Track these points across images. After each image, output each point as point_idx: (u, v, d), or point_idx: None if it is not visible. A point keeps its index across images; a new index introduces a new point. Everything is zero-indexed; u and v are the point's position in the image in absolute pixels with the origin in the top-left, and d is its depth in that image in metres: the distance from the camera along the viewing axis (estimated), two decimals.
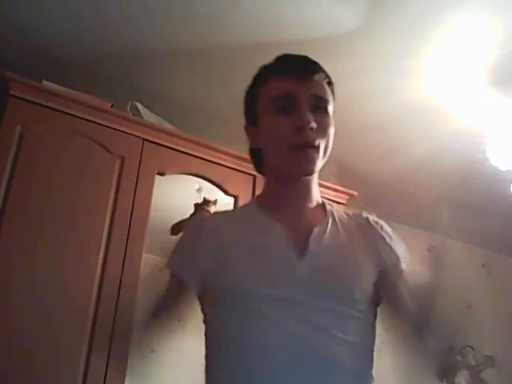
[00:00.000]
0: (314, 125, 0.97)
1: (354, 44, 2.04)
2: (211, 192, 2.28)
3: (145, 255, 1.97)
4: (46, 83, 1.99)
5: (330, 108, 1.04)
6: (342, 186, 2.49)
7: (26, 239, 1.78)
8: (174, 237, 2.31)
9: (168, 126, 2.24)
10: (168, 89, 2.34)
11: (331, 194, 2.39)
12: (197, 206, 2.32)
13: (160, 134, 2.14)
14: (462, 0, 1.82)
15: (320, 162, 1.01)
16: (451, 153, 2.66)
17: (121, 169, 2.01)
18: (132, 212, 1.97)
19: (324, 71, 1.05)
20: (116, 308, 1.83)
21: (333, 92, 1.07)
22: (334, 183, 2.40)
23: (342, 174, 2.34)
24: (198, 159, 2.20)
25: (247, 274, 0.95)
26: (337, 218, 1.06)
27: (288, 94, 1.00)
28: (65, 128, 1.97)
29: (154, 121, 2.21)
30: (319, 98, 1.01)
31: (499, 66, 2.10)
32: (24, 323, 1.70)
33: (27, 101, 1.91)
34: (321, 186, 1.15)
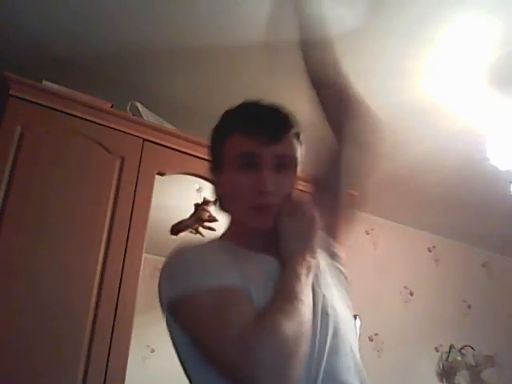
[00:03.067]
0: (273, 188, 0.97)
1: (354, 44, 2.03)
2: (211, 192, 2.28)
3: (145, 255, 1.97)
4: (46, 83, 1.99)
5: (298, 159, 1.04)
6: None
7: (26, 239, 1.78)
8: (174, 237, 2.31)
9: (168, 126, 2.24)
10: (168, 89, 2.34)
11: None
12: (197, 205, 2.32)
13: (160, 134, 2.14)
14: (463, 1, 1.82)
15: None
16: (451, 152, 2.66)
17: (121, 169, 2.01)
18: (132, 212, 1.97)
19: (293, 126, 1.03)
20: (116, 308, 1.83)
21: (301, 140, 1.05)
22: None
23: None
24: (197, 159, 2.19)
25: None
26: None
27: (251, 154, 0.98)
28: (65, 128, 1.97)
29: (154, 121, 2.21)
30: (285, 156, 1.00)
31: (499, 65, 2.10)
32: (24, 323, 1.70)
33: (27, 101, 1.91)
34: None
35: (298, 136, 1.04)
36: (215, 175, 1.08)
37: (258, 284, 0.92)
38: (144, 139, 2.10)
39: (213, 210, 2.31)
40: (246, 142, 0.99)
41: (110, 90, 2.26)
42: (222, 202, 1.08)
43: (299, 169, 1.05)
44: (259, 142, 0.98)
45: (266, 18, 1.94)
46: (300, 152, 1.05)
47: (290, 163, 1.02)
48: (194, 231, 2.33)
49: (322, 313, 0.95)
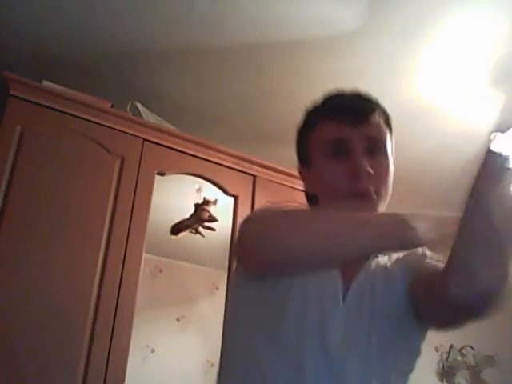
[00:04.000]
0: (370, 170, 0.91)
1: (354, 44, 2.04)
2: (211, 192, 2.28)
3: (145, 255, 1.97)
4: (46, 83, 1.99)
5: (388, 146, 0.98)
6: None
7: (26, 239, 1.78)
8: (173, 237, 2.32)
9: (168, 126, 2.24)
10: (168, 89, 2.34)
11: None
12: (197, 205, 2.32)
13: (160, 134, 2.14)
14: (463, 0, 1.82)
15: (381, 206, 0.95)
16: (451, 153, 2.66)
17: (121, 169, 2.01)
18: (132, 212, 1.97)
19: (380, 108, 1.00)
20: (116, 308, 1.84)
21: (390, 127, 1.00)
22: None
23: None
24: (198, 159, 2.20)
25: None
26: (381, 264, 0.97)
27: (341, 140, 0.94)
28: (65, 128, 1.97)
29: (154, 121, 2.21)
30: (375, 139, 0.95)
31: (499, 65, 2.10)
32: (24, 323, 1.70)
33: (27, 101, 1.91)
34: None
35: (386, 120, 0.99)
36: (305, 172, 1.02)
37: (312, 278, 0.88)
38: (144, 139, 2.10)
39: (213, 210, 2.31)
40: (333, 127, 0.95)
41: (110, 90, 2.27)
42: (317, 201, 1.01)
43: (392, 157, 0.98)
44: (346, 124, 0.94)
45: (266, 18, 1.95)
46: (390, 137, 0.99)
47: (381, 146, 0.96)
48: (193, 231, 2.33)
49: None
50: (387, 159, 0.96)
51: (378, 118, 0.97)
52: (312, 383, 0.82)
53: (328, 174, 0.95)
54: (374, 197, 0.92)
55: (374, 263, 0.94)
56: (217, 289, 2.66)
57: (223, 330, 0.98)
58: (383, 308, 0.88)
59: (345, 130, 0.94)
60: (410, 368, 0.91)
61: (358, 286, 0.90)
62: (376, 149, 0.95)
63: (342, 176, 0.92)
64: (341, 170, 0.93)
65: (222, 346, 1.01)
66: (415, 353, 0.92)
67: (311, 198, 1.03)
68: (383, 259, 0.96)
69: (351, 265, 0.91)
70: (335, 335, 0.85)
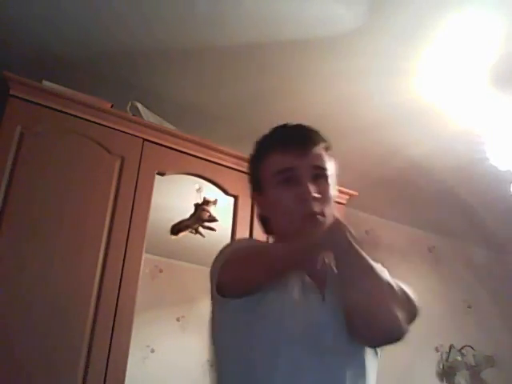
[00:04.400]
0: (316, 195, 1.04)
1: (353, 44, 2.04)
2: (211, 192, 2.28)
3: (145, 255, 1.97)
4: (46, 83, 1.99)
5: (330, 173, 1.10)
6: (341, 186, 2.49)
7: (26, 239, 1.78)
8: (173, 237, 2.31)
9: (168, 126, 2.24)
10: (168, 89, 2.34)
11: None
12: (197, 206, 2.32)
13: (160, 134, 2.14)
14: (463, 0, 1.82)
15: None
16: (451, 153, 2.66)
17: (121, 169, 2.01)
18: (132, 212, 1.97)
19: (322, 140, 1.12)
20: (116, 308, 1.84)
21: (331, 156, 1.13)
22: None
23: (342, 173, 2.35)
24: (198, 159, 2.20)
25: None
26: None
27: (289, 169, 1.06)
28: (65, 128, 1.97)
29: (154, 121, 2.21)
30: (319, 167, 1.08)
31: (499, 65, 2.10)
32: (24, 323, 1.70)
33: (27, 101, 1.91)
34: None
35: (327, 149, 1.12)
36: (257, 198, 1.15)
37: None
38: (144, 139, 2.10)
39: (213, 210, 2.31)
40: (282, 157, 1.08)
41: (110, 90, 2.27)
42: (269, 222, 1.15)
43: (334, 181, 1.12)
44: (293, 155, 1.07)
45: (266, 18, 1.95)
46: (331, 165, 1.12)
47: (324, 174, 1.09)
48: (193, 231, 2.33)
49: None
50: (329, 185, 1.10)
51: (321, 148, 1.11)
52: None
53: (279, 200, 1.07)
54: (321, 218, 1.04)
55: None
56: None
57: (211, 342, 1.09)
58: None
59: (293, 160, 1.07)
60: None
61: (329, 289, 1.04)
62: (320, 176, 1.08)
63: (292, 201, 1.05)
64: (290, 195, 1.05)
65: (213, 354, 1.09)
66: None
67: (263, 220, 1.17)
68: None
69: (318, 272, 1.06)
70: (328, 335, 0.98)
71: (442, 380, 3.34)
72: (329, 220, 1.04)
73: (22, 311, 1.71)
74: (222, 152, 2.24)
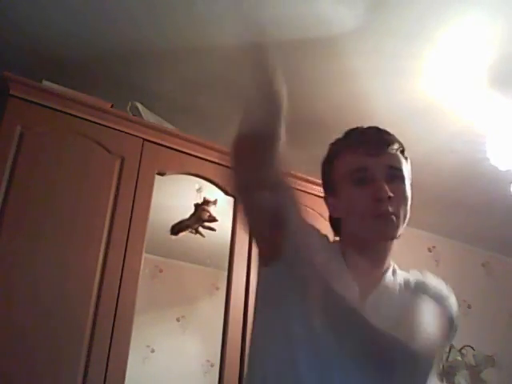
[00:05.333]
0: (390, 194, 1.02)
1: (354, 44, 2.04)
2: (211, 192, 2.28)
3: (145, 255, 1.97)
4: (46, 83, 1.99)
5: (406, 175, 1.09)
6: None
7: (26, 239, 1.78)
8: (173, 237, 2.32)
9: (168, 126, 2.24)
10: (168, 89, 2.34)
11: None
12: (197, 205, 2.32)
13: (160, 134, 2.14)
14: (463, 1, 1.82)
15: (401, 229, 1.06)
16: (451, 153, 2.66)
17: (121, 169, 2.01)
18: (132, 212, 1.97)
19: (397, 141, 1.10)
20: (116, 308, 1.84)
21: (406, 157, 1.12)
22: None
23: None
24: (197, 159, 2.20)
25: None
26: (398, 283, 1.09)
27: (362, 168, 1.05)
28: (65, 128, 1.97)
29: (154, 121, 2.21)
30: (394, 167, 1.07)
31: (499, 66, 2.10)
32: (24, 323, 1.70)
33: (27, 101, 1.91)
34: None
35: (402, 151, 1.11)
36: (329, 200, 1.13)
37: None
38: (144, 139, 2.10)
39: (213, 210, 2.31)
40: (355, 157, 1.06)
41: (110, 90, 2.27)
42: (341, 225, 1.12)
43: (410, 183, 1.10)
44: (367, 154, 1.05)
45: (265, 18, 1.94)
46: (406, 167, 1.11)
47: (399, 174, 1.07)
48: (193, 231, 2.33)
49: None
50: (405, 185, 1.08)
51: (395, 149, 1.09)
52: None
53: (353, 199, 1.05)
54: (394, 218, 1.03)
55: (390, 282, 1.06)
56: (217, 289, 2.66)
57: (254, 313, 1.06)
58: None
59: (367, 159, 1.05)
60: None
61: (373, 301, 1.01)
62: (395, 176, 1.06)
63: (366, 201, 1.03)
64: (365, 195, 1.03)
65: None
66: None
67: (335, 222, 1.14)
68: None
69: (366, 279, 1.03)
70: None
71: (441, 380, 3.34)
72: (400, 221, 1.03)
73: (21, 311, 1.71)
74: (222, 152, 2.24)
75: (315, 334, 0.92)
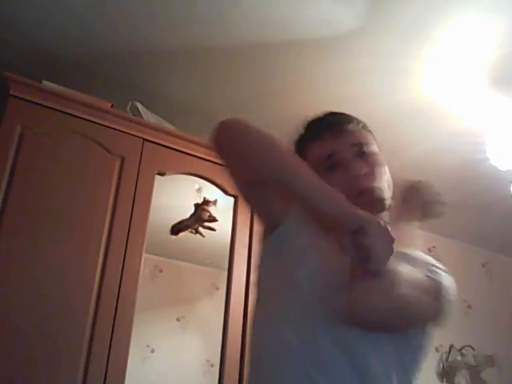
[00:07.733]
0: (365, 169, 1.02)
1: (354, 44, 2.04)
2: (211, 192, 2.28)
3: (145, 255, 1.97)
4: (46, 83, 1.99)
5: (375, 147, 1.09)
6: None
7: (26, 239, 1.78)
8: (173, 237, 2.31)
9: (168, 126, 2.24)
10: (168, 89, 2.34)
11: None
12: (197, 205, 2.32)
13: (160, 134, 2.14)
14: (463, 0, 1.82)
15: (387, 199, 1.05)
16: (451, 153, 2.66)
17: (121, 169, 2.01)
18: (132, 212, 1.98)
19: (354, 118, 1.10)
20: (116, 308, 1.84)
21: (370, 131, 1.12)
22: None
23: None
24: (197, 159, 2.20)
25: None
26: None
27: (329, 154, 1.05)
28: (65, 128, 1.97)
29: (154, 121, 2.21)
30: (359, 144, 1.06)
31: (499, 66, 2.10)
32: (24, 323, 1.70)
33: (27, 101, 1.91)
34: None
35: (364, 126, 1.11)
36: None
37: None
38: (144, 139, 2.10)
39: (213, 210, 2.31)
40: (319, 145, 1.07)
41: (110, 90, 2.27)
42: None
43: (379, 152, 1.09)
44: (329, 140, 1.06)
45: (266, 18, 1.95)
46: (372, 139, 1.10)
47: (367, 149, 1.07)
48: (193, 231, 2.33)
49: None
50: (376, 155, 1.08)
51: (356, 126, 1.09)
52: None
53: (332, 186, 1.02)
54: (376, 191, 1.02)
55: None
56: (217, 289, 2.66)
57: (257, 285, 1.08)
58: None
59: (331, 144, 1.05)
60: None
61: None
62: (363, 152, 1.06)
63: (344, 182, 1.01)
64: (341, 178, 1.02)
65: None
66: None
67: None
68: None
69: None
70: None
71: (441, 380, 3.34)
72: (383, 191, 1.03)
73: (21, 311, 1.71)
74: None
75: (307, 298, 0.94)
